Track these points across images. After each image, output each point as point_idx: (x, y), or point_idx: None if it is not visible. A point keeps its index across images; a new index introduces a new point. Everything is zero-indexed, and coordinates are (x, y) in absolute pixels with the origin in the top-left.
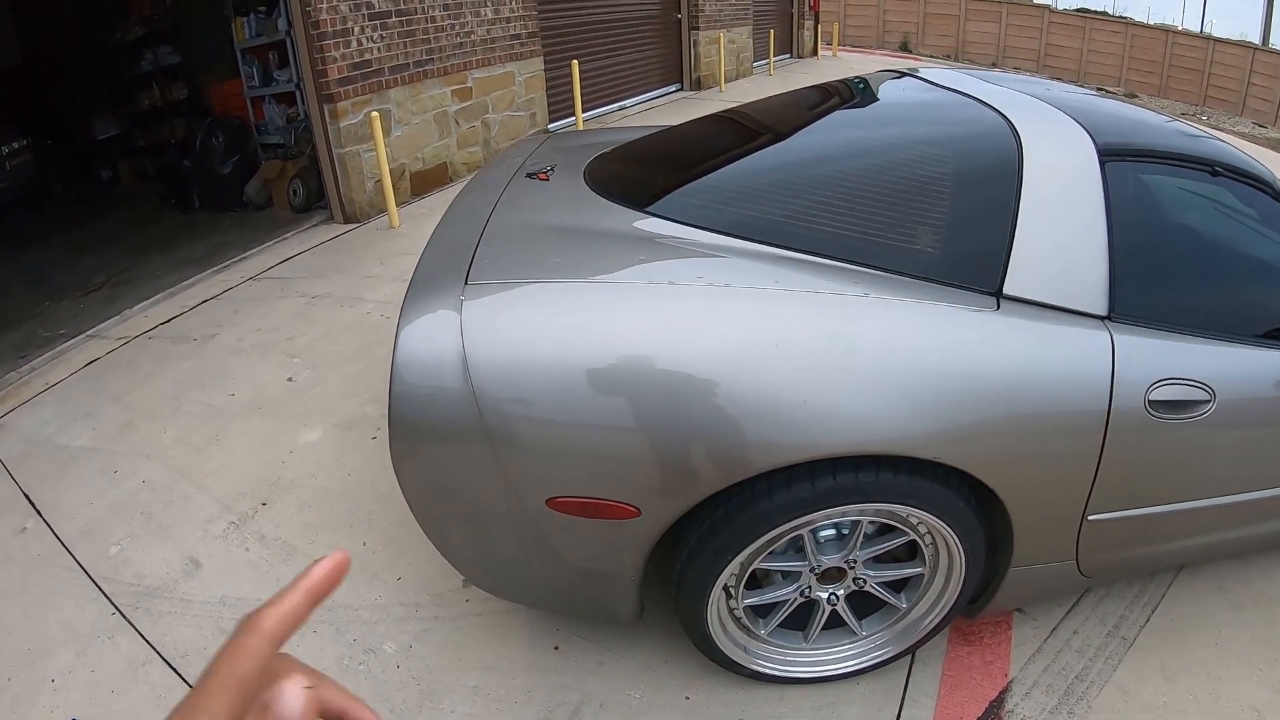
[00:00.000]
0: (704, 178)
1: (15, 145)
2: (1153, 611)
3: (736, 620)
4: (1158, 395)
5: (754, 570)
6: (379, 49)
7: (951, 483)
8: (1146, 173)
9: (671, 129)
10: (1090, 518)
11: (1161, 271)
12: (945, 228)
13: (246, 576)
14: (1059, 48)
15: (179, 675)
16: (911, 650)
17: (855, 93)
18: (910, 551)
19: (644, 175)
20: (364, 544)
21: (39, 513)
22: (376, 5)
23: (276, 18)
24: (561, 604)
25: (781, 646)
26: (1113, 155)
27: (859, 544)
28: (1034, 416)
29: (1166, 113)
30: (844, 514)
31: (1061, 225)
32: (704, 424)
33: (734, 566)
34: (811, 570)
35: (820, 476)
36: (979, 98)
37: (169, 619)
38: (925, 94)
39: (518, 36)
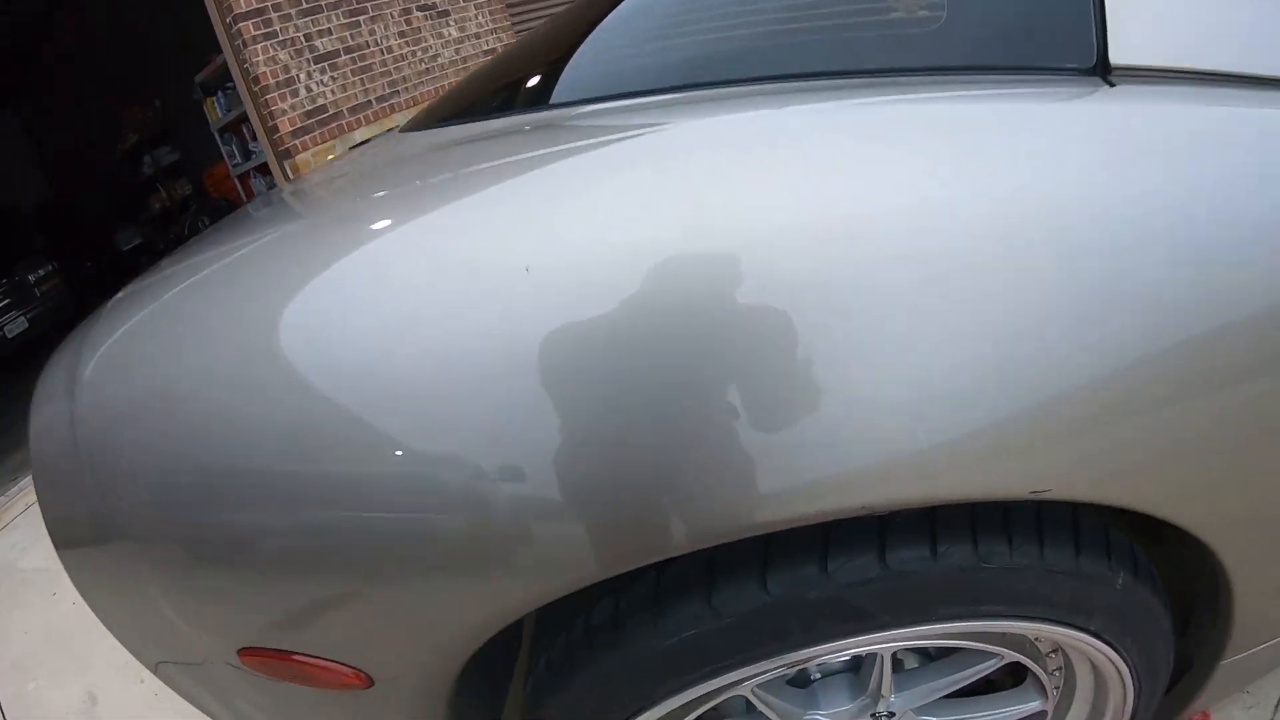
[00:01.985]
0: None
1: (42, 272)
2: None
3: None
4: None
5: None
6: (332, 91)
7: (1086, 538)
8: None
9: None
10: None
11: None
12: None
13: (136, 713)
14: None
15: None
16: None
17: None
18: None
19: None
20: None
21: None
22: (321, 47)
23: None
24: None
25: None
26: None
27: (885, 682)
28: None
29: None
30: (810, 657)
31: None
32: (420, 493)
33: None
34: None
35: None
36: None
37: None
38: None
39: (492, 50)
